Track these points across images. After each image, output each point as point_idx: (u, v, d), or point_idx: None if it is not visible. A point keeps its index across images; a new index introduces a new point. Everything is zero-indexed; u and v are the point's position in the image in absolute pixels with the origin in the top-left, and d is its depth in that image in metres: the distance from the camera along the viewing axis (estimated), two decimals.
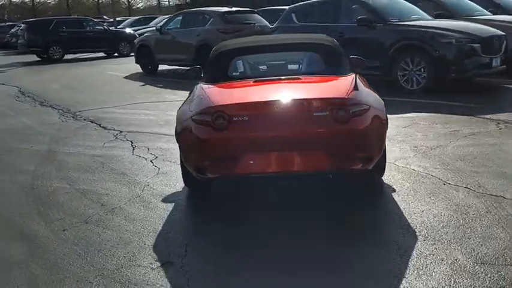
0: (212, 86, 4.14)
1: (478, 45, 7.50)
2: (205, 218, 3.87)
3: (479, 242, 3.03)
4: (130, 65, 14.17)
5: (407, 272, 2.76)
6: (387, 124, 3.90)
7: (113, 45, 19.44)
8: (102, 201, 4.09)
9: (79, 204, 4.05)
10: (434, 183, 4.04)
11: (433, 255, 2.91)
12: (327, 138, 3.53)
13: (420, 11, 9.04)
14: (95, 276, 2.91)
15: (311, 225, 3.49)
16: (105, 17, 35.38)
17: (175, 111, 4.20)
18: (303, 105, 3.56)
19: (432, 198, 3.77)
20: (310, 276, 2.82)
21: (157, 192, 4.21)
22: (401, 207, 3.65)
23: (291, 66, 4.68)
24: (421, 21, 8.35)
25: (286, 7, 10.90)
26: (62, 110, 8.26)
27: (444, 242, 3.06)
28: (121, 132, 6.42)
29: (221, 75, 4.32)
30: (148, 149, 5.50)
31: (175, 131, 4.05)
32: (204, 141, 3.60)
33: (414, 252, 2.97)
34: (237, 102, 3.72)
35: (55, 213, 3.90)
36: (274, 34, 10.29)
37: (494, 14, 10.11)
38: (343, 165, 3.61)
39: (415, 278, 2.69)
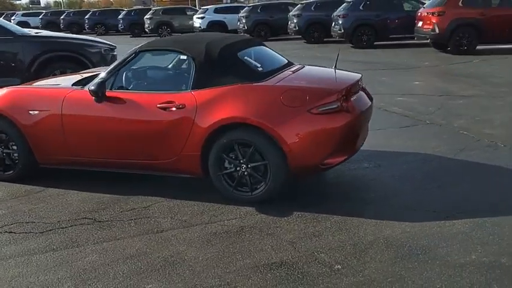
0: (268, 79, 3.92)
1: (116, 53, 9.74)
2: None
3: None
4: None
5: None
6: None
7: None
8: None
9: None
10: None
11: None
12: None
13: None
14: None
15: None
16: None
17: None
18: (361, 82, 4.23)
19: None
20: None
21: None
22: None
23: (271, 59, 4.57)
24: (52, 33, 9.60)
25: None
26: None
27: None
28: None
29: (251, 73, 4.03)
30: None
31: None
32: (342, 128, 3.62)
33: None
34: (350, 83, 3.89)
35: None
36: None
37: None
38: None
39: None
